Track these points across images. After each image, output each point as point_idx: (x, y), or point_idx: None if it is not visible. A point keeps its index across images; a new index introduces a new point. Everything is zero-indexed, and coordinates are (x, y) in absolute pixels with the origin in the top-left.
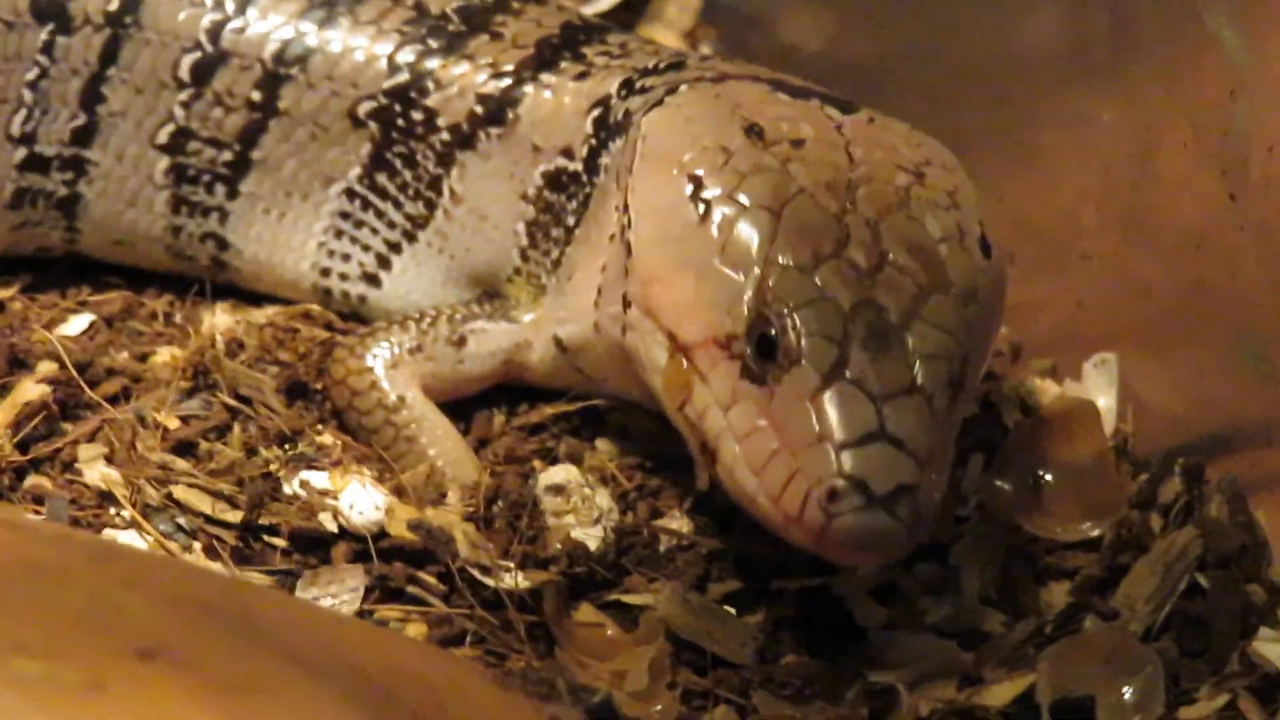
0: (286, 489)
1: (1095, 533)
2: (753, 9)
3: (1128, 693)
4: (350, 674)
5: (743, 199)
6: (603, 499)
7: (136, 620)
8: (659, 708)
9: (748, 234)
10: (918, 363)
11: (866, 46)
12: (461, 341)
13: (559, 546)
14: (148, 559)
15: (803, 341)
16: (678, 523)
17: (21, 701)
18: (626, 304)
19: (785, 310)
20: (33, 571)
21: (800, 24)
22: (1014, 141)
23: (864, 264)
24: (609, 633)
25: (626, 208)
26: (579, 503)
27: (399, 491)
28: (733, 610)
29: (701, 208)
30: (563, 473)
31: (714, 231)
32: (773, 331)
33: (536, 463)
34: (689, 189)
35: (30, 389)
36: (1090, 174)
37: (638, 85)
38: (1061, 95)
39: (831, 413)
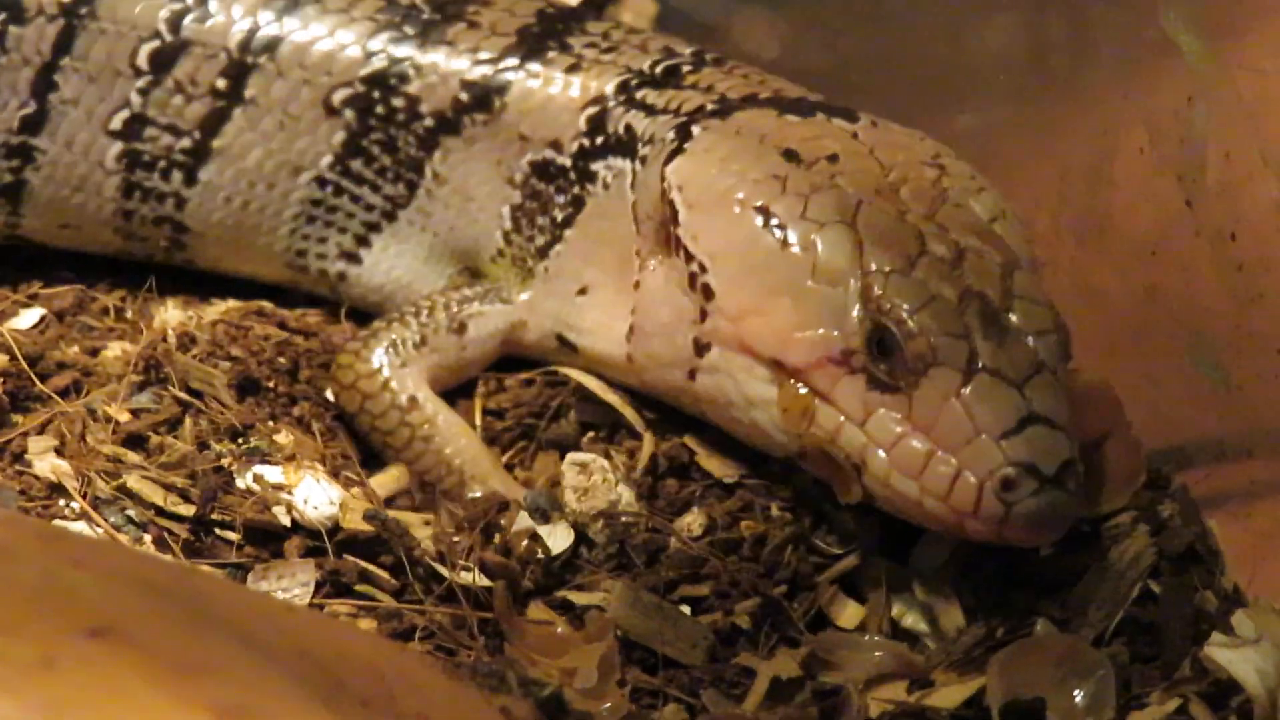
0: (239, 483)
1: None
2: (707, 17)
3: (1078, 696)
4: (301, 659)
5: (815, 217)
6: (624, 490)
7: (87, 599)
8: (608, 705)
9: (834, 249)
10: (1032, 339)
11: (823, 54)
12: (461, 329)
13: (524, 545)
14: (97, 542)
15: (933, 342)
16: (690, 521)
17: None
18: (701, 349)
19: (904, 315)
20: None
21: (756, 32)
22: (971, 148)
23: (948, 255)
24: (559, 630)
25: (689, 258)
26: (599, 482)
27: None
28: (688, 610)
29: (778, 234)
30: (590, 455)
31: (799, 253)
32: (895, 336)
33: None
34: (759, 220)
35: None
36: (1046, 180)
37: (638, 96)
38: (1018, 102)
39: (982, 406)
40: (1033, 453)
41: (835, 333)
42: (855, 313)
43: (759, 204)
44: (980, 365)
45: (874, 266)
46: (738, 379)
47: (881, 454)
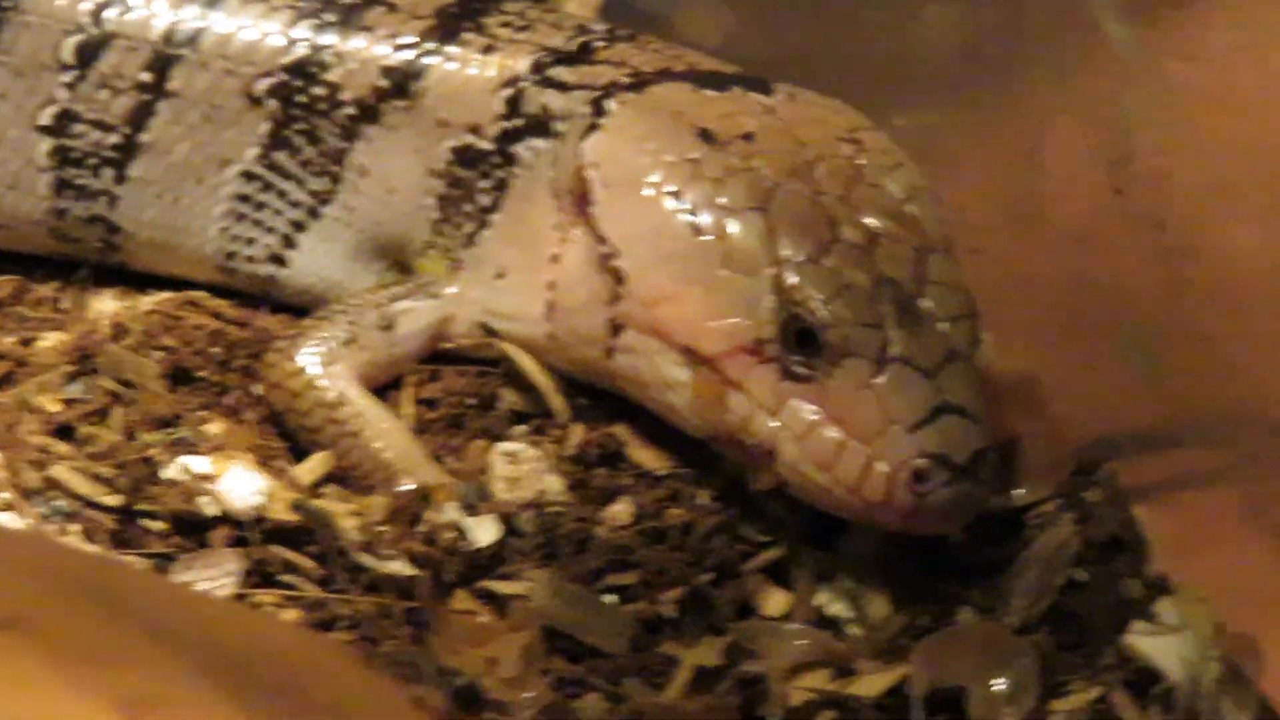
0: (166, 473)
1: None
2: (650, 6)
3: (1000, 684)
4: (212, 650)
5: (727, 204)
6: (552, 480)
7: None
8: (530, 694)
9: (746, 237)
10: (945, 326)
11: (764, 45)
12: (391, 325)
13: (449, 536)
14: (12, 534)
15: (846, 332)
16: (618, 510)
17: None
18: (616, 329)
19: (817, 305)
20: None
21: (698, 22)
22: (907, 138)
23: (861, 241)
24: (482, 620)
25: (601, 239)
26: (528, 471)
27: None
28: (614, 599)
29: (690, 221)
30: (520, 444)
31: (711, 241)
32: (808, 327)
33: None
34: (671, 205)
35: None
36: (981, 169)
37: (550, 75)
38: (955, 91)
39: (894, 396)
40: (944, 443)
41: (748, 322)
42: (768, 302)
43: (672, 189)
44: (893, 354)
45: (787, 255)
46: (652, 361)
47: (793, 443)
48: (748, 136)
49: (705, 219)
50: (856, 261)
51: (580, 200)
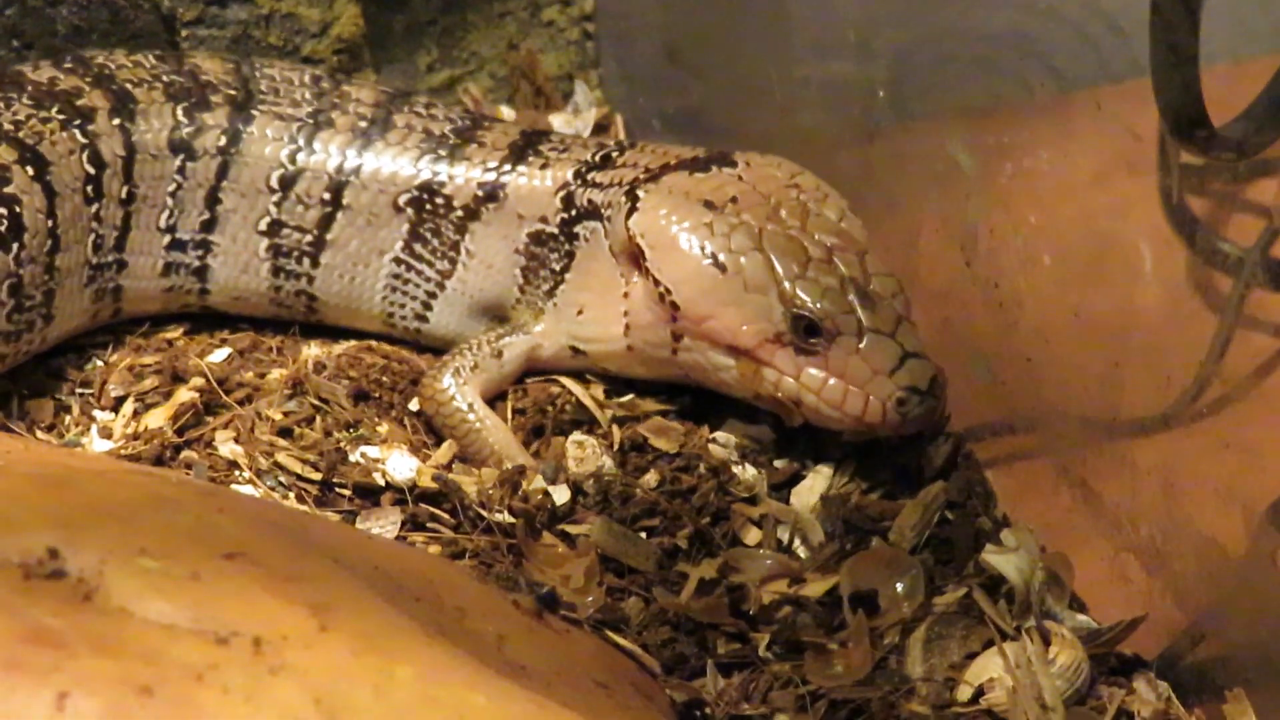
0: (351, 458)
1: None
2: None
3: (900, 587)
4: (374, 571)
5: (738, 249)
6: (606, 460)
7: (226, 534)
8: (590, 598)
9: (755, 269)
10: (892, 301)
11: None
12: (499, 354)
13: (538, 497)
14: (239, 495)
15: (837, 320)
16: (649, 478)
17: (144, 586)
18: (678, 337)
19: (811, 306)
20: (157, 502)
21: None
22: None
23: (824, 256)
24: (560, 550)
25: (657, 283)
26: (589, 453)
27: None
28: (644, 535)
29: (718, 266)
30: (583, 437)
31: (734, 276)
32: (811, 321)
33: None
34: (701, 257)
35: (185, 394)
36: (880, 254)
37: (588, 177)
38: (861, 208)
39: (874, 355)
40: (912, 378)
41: (768, 324)
42: (779, 309)
43: (699, 246)
44: (866, 327)
45: (783, 276)
46: (706, 355)
47: (811, 395)
48: (734, 199)
49: (728, 262)
50: (826, 270)
51: (633, 258)
